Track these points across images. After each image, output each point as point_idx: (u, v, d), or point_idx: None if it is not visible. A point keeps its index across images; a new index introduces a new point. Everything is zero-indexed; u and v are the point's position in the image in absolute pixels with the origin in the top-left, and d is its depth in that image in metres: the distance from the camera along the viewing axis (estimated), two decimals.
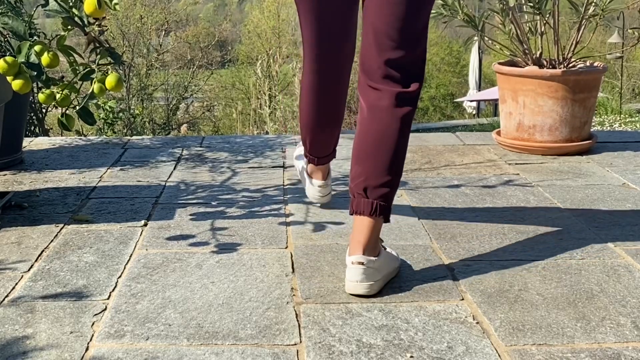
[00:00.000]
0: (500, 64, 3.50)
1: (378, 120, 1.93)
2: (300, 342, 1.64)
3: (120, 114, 8.16)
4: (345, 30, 2.20)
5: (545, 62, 3.44)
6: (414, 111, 1.95)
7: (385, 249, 1.98)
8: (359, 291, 1.86)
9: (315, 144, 2.44)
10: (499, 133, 3.55)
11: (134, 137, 3.85)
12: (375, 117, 1.93)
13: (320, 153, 2.47)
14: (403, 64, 1.92)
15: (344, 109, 2.42)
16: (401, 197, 2.69)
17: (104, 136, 5.76)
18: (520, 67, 3.43)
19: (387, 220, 1.94)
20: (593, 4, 3.39)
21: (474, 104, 17.92)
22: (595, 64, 3.48)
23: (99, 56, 2.14)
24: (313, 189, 2.55)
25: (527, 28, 3.48)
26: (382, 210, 1.91)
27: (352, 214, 1.94)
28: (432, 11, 3.45)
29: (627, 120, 7.92)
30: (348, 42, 2.23)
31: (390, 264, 1.96)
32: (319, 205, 2.58)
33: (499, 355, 1.58)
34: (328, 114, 2.37)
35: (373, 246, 1.90)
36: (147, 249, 2.20)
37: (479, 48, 15.94)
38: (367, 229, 1.89)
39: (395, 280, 1.96)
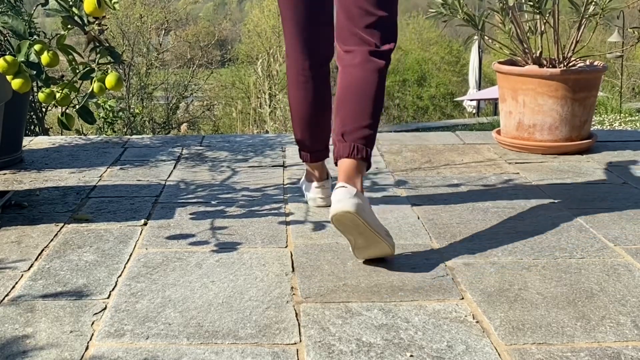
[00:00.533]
0: (500, 63, 3.50)
1: (352, 74, 2.09)
2: (300, 341, 1.64)
3: (120, 113, 8.15)
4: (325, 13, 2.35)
5: (545, 61, 3.44)
6: (387, 65, 2.10)
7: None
8: (345, 208, 1.86)
9: (308, 135, 2.49)
10: (499, 132, 3.55)
11: (134, 136, 3.85)
12: (349, 72, 2.10)
13: (313, 146, 2.50)
14: (376, 28, 2.09)
15: (330, 94, 2.49)
16: (401, 196, 2.69)
17: (104, 135, 5.76)
18: (520, 66, 3.43)
19: (368, 164, 2.02)
20: (593, 3, 3.38)
21: (474, 103, 17.92)
22: (595, 63, 3.48)
23: (98, 55, 2.14)
24: (312, 191, 2.58)
25: (527, 27, 3.48)
26: (360, 151, 1.97)
27: (335, 162, 2.03)
28: (432, 10, 3.47)
29: (627, 119, 7.92)
30: (328, 26, 2.35)
31: (374, 217, 1.96)
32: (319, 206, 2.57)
33: (499, 355, 1.58)
34: (317, 99, 2.45)
35: (354, 182, 1.95)
36: (147, 248, 2.20)
37: (479, 47, 15.95)
38: (348, 167, 1.96)
39: (393, 276, 1.96)
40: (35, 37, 2.63)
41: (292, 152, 3.41)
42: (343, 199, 1.89)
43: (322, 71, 2.45)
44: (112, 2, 2.03)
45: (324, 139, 2.52)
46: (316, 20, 2.36)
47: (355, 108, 2.05)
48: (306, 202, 2.62)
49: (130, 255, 2.14)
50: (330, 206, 1.95)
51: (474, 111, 17.80)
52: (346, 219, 1.91)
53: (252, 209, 2.57)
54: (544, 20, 3.41)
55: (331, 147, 2.36)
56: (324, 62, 2.45)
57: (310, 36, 2.38)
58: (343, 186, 1.93)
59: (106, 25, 2.18)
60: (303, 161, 2.58)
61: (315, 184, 2.57)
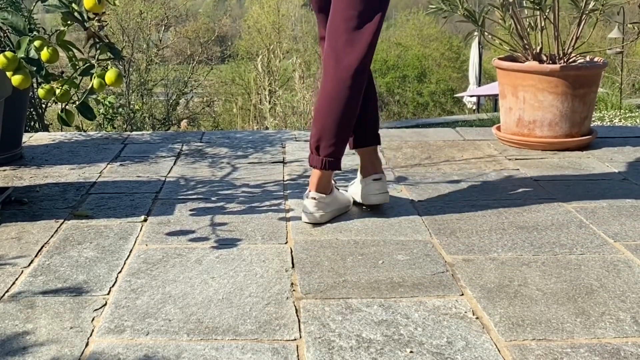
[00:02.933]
0: (500, 59, 3.50)
1: (330, 85, 2.34)
2: (300, 337, 1.64)
3: (120, 110, 8.16)
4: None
5: (545, 58, 3.44)
6: (363, 80, 2.34)
7: (338, 189, 2.50)
8: (311, 219, 2.36)
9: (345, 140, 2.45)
10: (499, 128, 3.55)
11: (134, 133, 3.85)
12: (327, 81, 2.35)
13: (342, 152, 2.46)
14: (355, 41, 2.31)
15: None
16: (401, 192, 2.69)
17: (104, 131, 5.76)
18: (520, 62, 3.43)
19: (338, 169, 2.41)
20: None
21: (474, 99, 17.92)
22: (595, 59, 3.48)
23: (98, 51, 2.14)
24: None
25: (527, 23, 3.48)
26: (331, 165, 2.38)
27: (310, 166, 2.42)
28: (432, 6, 3.47)
29: (627, 115, 7.91)
30: None
31: (340, 201, 2.47)
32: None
33: (499, 351, 1.58)
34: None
35: (324, 187, 2.40)
36: (147, 245, 2.20)
37: (479, 43, 15.94)
38: (318, 176, 2.39)
39: (393, 272, 1.97)
40: (35, 33, 2.62)
41: (292, 149, 3.41)
42: (312, 211, 2.37)
43: None
44: None
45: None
46: None
47: (331, 123, 2.34)
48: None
49: (130, 252, 2.14)
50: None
51: (474, 107, 17.80)
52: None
53: (252, 205, 2.57)
54: (544, 16, 3.41)
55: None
56: None
57: None
58: (313, 197, 2.38)
59: (106, 22, 2.18)
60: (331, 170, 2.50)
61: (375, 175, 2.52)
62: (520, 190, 2.73)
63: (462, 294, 1.86)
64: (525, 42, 3.43)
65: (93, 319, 1.73)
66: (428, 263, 2.05)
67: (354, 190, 2.56)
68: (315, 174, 2.40)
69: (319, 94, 2.39)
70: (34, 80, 4.10)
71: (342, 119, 2.33)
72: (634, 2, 3.79)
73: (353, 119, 2.36)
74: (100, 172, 3.01)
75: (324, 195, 2.38)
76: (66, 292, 1.88)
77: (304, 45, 21.89)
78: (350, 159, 3.19)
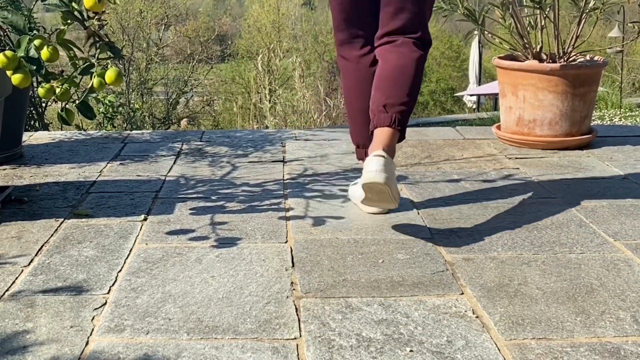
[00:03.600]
0: (500, 58, 3.50)
1: (396, 55, 2.26)
2: (300, 336, 1.64)
3: (120, 109, 8.16)
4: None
5: (545, 56, 3.44)
6: (426, 56, 2.31)
7: None
8: (377, 179, 2.06)
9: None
10: (499, 127, 3.55)
11: (134, 132, 3.85)
12: (393, 53, 2.27)
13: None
14: (415, 25, 2.31)
15: None
16: (401, 191, 2.69)
17: (104, 130, 5.75)
18: (521, 61, 3.43)
19: (402, 137, 2.23)
20: None
21: (474, 98, 17.91)
22: (596, 58, 3.47)
23: (98, 50, 2.14)
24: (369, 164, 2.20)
25: (527, 22, 3.48)
26: (400, 123, 2.18)
27: (373, 129, 2.22)
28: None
29: (627, 114, 7.91)
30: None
31: (395, 183, 2.16)
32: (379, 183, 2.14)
33: (499, 350, 1.58)
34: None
35: (391, 151, 2.16)
36: (147, 244, 2.20)
37: (479, 42, 15.93)
38: (387, 135, 2.17)
39: (393, 271, 1.97)
40: (35, 32, 2.62)
41: (292, 148, 3.41)
42: (379, 169, 2.08)
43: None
44: None
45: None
46: None
47: (399, 86, 2.22)
48: (306, 198, 2.62)
49: (130, 251, 2.14)
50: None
51: (474, 106, 17.78)
52: (376, 187, 2.10)
53: (252, 204, 2.57)
54: (544, 15, 3.40)
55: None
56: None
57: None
58: (381, 155, 2.11)
59: (106, 20, 2.18)
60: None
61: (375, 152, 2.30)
62: (520, 189, 2.73)
63: (462, 293, 1.86)
64: (526, 41, 3.43)
65: (93, 318, 1.73)
66: (428, 262, 2.05)
67: (353, 193, 2.53)
68: (382, 133, 2.18)
69: (382, 70, 2.29)
70: (34, 79, 4.10)
71: (414, 87, 2.25)
72: (634, 1, 3.79)
73: (419, 86, 2.28)
74: (100, 171, 3.01)
75: (391, 159, 2.15)
76: (66, 291, 1.88)
77: (304, 44, 21.88)
78: (351, 157, 3.19)
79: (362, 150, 2.48)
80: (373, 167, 2.08)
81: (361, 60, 2.42)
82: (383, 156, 2.11)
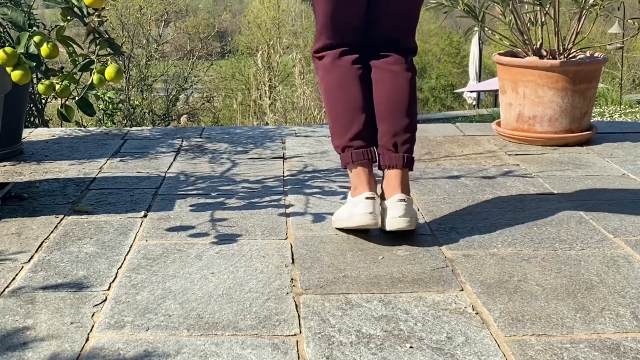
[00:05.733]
0: (500, 54, 3.50)
1: (391, 76, 2.23)
2: (300, 332, 1.65)
3: (120, 105, 8.15)
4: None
5: (545, 53, 3.44)
6: (415, 73, 2.30)
7: None
8: (401, 225, 2.12)
9: (364, 128, 2.25)
10: (499, 124, 3.55)
11: (134, 128, 3.84)
12: (387, 73, 2.24)
13: (369, 140, 2.25)
14: (406, 29, 2.29)
15: None
16: None
17: (104, 127, 5.75)
18: (521, 57, 3.42)
19: (412, 169, 2.24)
20: None
21: (474, 94, 17.89)
22: (596, 55, 3.47)
23: (98, 47, 2.14)
24: (359, 206, 2.15)
25: (528, 18, 3.47)
26: (409, 162, 2.21)
27: (384, 169, 2.22)
28: (432, 1, 3.46)
29: (627, 110, 7.92)
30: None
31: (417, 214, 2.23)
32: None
33: (499, 346, 1.58)
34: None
35: (407, 189, 2.19)
36: (147, 240, 2.20)
37: (479, 38, 15.90)
38: (400, 176, 2.18)
39: (393, 267, 1.97)
40: (34, 28, 2.62)
41: (292, 144, 3.41)
42: (403, 214, 2.13)
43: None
44: None
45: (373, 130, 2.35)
46: None
47: (403, 120, 2.21)
48: (306, 194, 2.62)
49: (130, 247, 2.15)
50: (377, 225, 2.14)
51: (474, 103, 17.77)
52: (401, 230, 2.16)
53: (252, 200, 2.57)
54: (544, 12, 3.40)
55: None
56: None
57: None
58: (402, 200, 2.15)
59: (106, 17, 2.17)
60: (353, 165, 2.23)
61: (365, 194, 2.16)
62: (520, 185, 2.73)
63: (462, 290, 1.86)
64: (526, 37, 3.43)
65: (93, 315, 1.73)
66: (428, 258, 2.05)
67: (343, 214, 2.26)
68: (394, 175, 2.18)
69: (379, 92, 2.24)
70: (34, 75, 4.10)
71: (413, 112, 2.24)
72: None
73: (416, 113, 2.28)
74: (100, 168, 3.01)
75: (410, 197, 2.19)
76: (66, 287, 1.88)
77: (304, 41, 21.86)
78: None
79: (348, 154, 2.22)
80: (398, 213, 2.13)
81: (342, 58, 2.26)
82: (404, 200, 2.15)
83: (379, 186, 2.24)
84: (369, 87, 2.27)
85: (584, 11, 3.40)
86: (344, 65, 2.27)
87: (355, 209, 2.15)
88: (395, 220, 2.12)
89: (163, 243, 2.18)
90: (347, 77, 2.25)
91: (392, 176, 2.19)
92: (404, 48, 2.30)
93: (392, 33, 2.28)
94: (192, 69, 19.32)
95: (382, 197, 2.21)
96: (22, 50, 2.07)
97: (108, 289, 1.87)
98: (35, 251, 2.12)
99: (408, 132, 2.22)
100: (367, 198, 2.13)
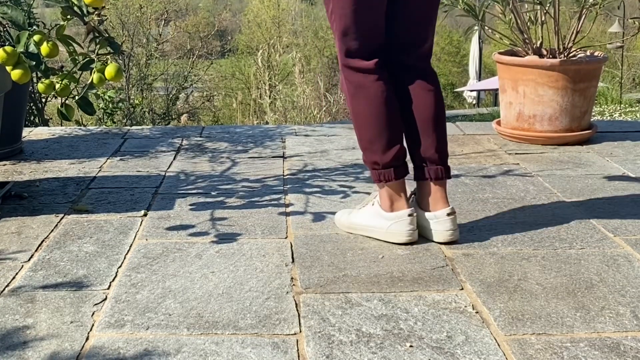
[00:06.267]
0: (500, 53, 3.50)
1: (429, 97, 2.20)
2: (300, 331, 1.65)
3: (120, 104, 8.14)
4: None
5: (545, 52, 3.43)
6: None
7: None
8: (452, 239, 2.16)
9: (402, 145, 2.21)
10: (499, 123, 3.55)
11: (134, 127, 3.84)
12: (425, 94, 2.21)
13: (401, 158, 2.21)
14: (428, 33, 2.23)
15: None
16: None
17: (104, 126, 5.75)
18: (521, 56, 3.42)
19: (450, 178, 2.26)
20: None
21: (474, 93, 17.89)
22: (596, 54, 3.47)
23: (98, 46, 2.14)
24: (401, 223, 2.15)
25: (528, 17, 3.47)
26: (449, 173, 2.23)
27: (429, 179, 2.20)
28: None
29: (627, 110, 7.92)
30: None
31: None
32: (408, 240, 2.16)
33: (498, 345, 1.58)
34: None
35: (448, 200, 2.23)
36: (147, 239, 2.20)
37: (480, 37, 15.89)
38: (444, 187, 2.21)
39: (393, 267, 1.97)
40: (34, 27, 2.62)
41: (292, 143, 3.41)
42: (455, 228, 2.17)
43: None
44: None
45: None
46: None
47: (442, 133, 2.22)
48: (306, 193, 2.62)
49: (130, 246, 2.15)
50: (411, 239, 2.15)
51: (474, 102, 17.77)
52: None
53: (252, 199, 2.57)
54: (545, 11, 3.40)
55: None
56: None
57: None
58: (453, 212, 2.18)
59: (106, 16, 2.17)
60: (385, 182, 2.18)
61: (405, 211, 2.16)
62: (520, 184, 2.73)
63: (462, 289, 1.86)
64: (526, 36, 3.43)
65: (93, 314, 1.73)
66: (428, 257, 2.05)
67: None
68: (439, 188, 2.19)
69: (419, 105, 2.20)
70: (34, 74, 4.10)
71: (444, 123, 2.24)
72: None
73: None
74: (100, 167, 3.01)
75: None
76: (66, 286, 1.88)
77: (304, 40, 21.86)
78: (351, 153, 3.19)
79: (390, 172, 2.16)
80: (449, 227, 2.16)
81: (377, 81, 2.15)
82: (453, 214, 2.17)
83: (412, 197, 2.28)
84: (399, 102, 2.20)
85: (584, 10, 3.40)
86: (376, 82, 2.16)
87: (396, 226, 2.15)
88: (447, 234, 2.16)
89: (163, 242, 2.18)
90: (380, 96, 2.16)
91: (437, 189, 2.20)
92: (425, 52, 2.23)
93: (412, 36, 2.20)
94: (192, 68, 19.31)
95: (420, 207, 2.22)
96: (22, 49, 2.07)
97: (108, 288, 1.87)
98: (35, 250, 2.12)
99: (445, 142, 2.23)
100: (409, 215, 2.15)
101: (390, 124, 2.17)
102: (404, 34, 2.20)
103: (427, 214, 2.18)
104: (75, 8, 2.10)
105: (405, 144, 2.21)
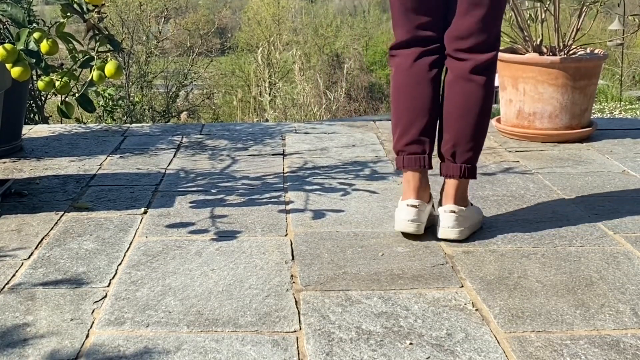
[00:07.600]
0: (500, 51, 3.49)
1: (464, 89, 2.12)
2: (300, 329, 1.65)
3: (120, 102, 8.15)
4: None
5: (545, 49, 3.43)
6: (493, 76, 2.15)
7: (471, 204, 2.24)
8: (450, 236, 2.13)
9: (421, 134, 2.19)
10: (499, 120, 3.54)
11: (134, 125, 3.84)
12: (461, 86, 2.12)
13: (424, 146, 2.19)
14: (487, 24, 2.09)
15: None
16: (400, 185, 2.69)
17: (104, 124, 5.75)
18: (521, 54, 3.42)
19: (474, 178, 2.20)
20: None
21: None
22: (596, 51, 3.47)
23: (98, 43, 2.14)
24: (399, 212, 2.18)
25: (528, 15, 3.47)
26: (469, 172, 2.17)
27: (443, 176, 2.20)
28: None
29: (627, 107, 7.92)
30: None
31: (475, 216, 2.23)
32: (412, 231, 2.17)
33: (498, 342, 1.58)
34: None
35: (462, 198, 2.18)
36: (147, 237, 2.20)
37: None
38: (457, 186, 2.17)
39: (393, 264, 1.97)
40: (34, 25, 2.62)
41: (292, 141, 3.41)
42: (452, 226, 2.14)
43: None
44: None
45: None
46: None
47: (467, 128, 2.14)
48: (306, 191, 2.62)
49: (130, 244, 2.15)
50: (420, 232, 2.15)
51: None
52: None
53: (252, 197, 2.57)
54: (545, 8, 3.40)
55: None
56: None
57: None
58: (453, 211, 2.14)
59: (105, 13, 2.17)
60: (405, 168, 2.21)
61: (407, 201, 2.17)
62: (520, 182, 2.73)
63: (462, 286, 1.86)
64: (526, 34, 3.43)
65: (93, 311, 1.73)
66: (428, 255, 2.05)
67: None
68: (451, 185, 2.17)
69: (447, 97, 2.15)
70: (34, 72, 4.09)
71: (479, 122, 2.13)
72: None
73: (488, 121, 2.17)
74: (100, 165, 3.01)
75: (463, 208, 2.16)
76: (66, 284, 1.88)
77: (304, 37, 21.86)
78: (351, 150, 3.18)
79: (401, 158, 2.20)
80: (447, 224, 2.14)
81: (418, 60, 2.15)
82: (454, 211, 2.14)
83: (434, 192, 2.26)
84: (440, 91, 2.17)
85: (585, 8, 3.40)
86: (418, 67, 2.14)
87: (399, 214, 2.17)
88: (444, 230, 2.14)
89: (163, 240, 2.18)
90: (416, 80, 2.15)
91: (449, 185, 2.19)
92: (482, 43, 2.10)
93: (469, 26, 2.08)
94: (192, 66, 19.31)
95: (440, 204, 2.22)
96: (22, 47, 2.07)
97: (108, 286, 1.87)
98: (35, 248, 2.12)
99: (472, 141, 2.13)
100: (408, 205, 2.14)
101: (409, 111, 2.17)
102: (457, 24, 2.11)
103: (437, 210, 2.21)
104: (75, 5, 2.10)
105: (425, 136, 2.17)
